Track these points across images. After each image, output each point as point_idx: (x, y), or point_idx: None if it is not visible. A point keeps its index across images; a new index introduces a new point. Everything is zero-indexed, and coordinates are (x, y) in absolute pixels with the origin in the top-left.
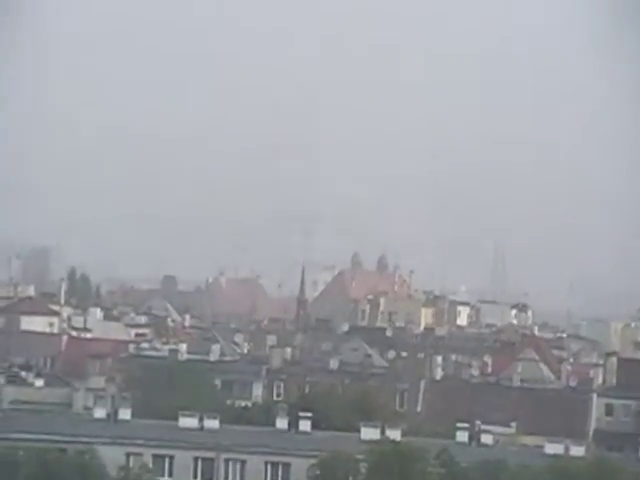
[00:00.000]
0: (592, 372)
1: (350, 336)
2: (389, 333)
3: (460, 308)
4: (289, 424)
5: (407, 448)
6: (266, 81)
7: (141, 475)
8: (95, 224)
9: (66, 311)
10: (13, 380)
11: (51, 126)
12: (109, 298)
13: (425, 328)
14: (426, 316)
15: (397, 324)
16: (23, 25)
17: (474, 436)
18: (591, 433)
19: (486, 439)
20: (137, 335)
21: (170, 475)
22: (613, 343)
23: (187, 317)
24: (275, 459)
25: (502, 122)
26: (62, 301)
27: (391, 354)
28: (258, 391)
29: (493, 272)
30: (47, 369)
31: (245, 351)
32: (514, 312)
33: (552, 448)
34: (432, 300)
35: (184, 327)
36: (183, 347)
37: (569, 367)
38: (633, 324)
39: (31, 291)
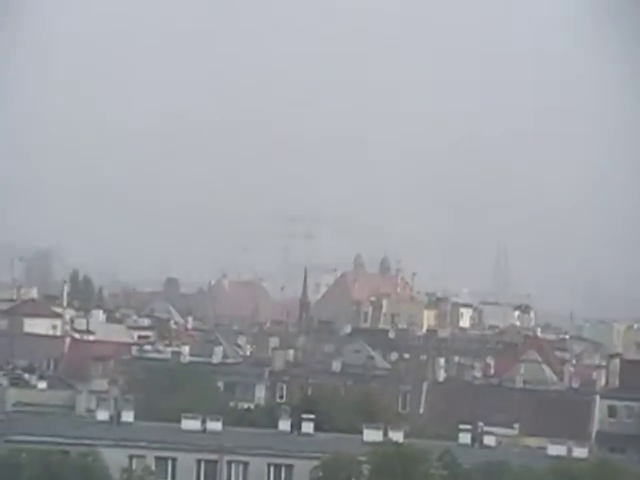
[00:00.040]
0: (595, 374)
1: (352, 338)
2: (392, 335)
3: (462, 310)
4: (292, 426)
5: (410, 450)
6: (266, 80)
7: (144, 477)
8: (97, 226)
9: (69, 313)
10: (16, 382)
11: (51, 126)
12: (112, 300)
13: (427, 330)
14: (428, 318)
15: (399, 326)
16: (23, 25)
17: (477, 438)
18: (594, 435)
19: (489, 441)
20: (140, 337)
21: (173, 477)
22: (616, 345)
23: (190, 319)
24: (278, 461)
25: (503, 121)
26: (65, 303)
27: (394, 356)
28: (261, 393)
29: (495, 274)
30: (50, 371)
31: (248, 353)
32: (517, 313)
33: (555, 450)
34: (434, 302)
35: (187, 329)
36: (186, 349)
37: (572, 369)
38: (636, 326)
39: (34, 293)
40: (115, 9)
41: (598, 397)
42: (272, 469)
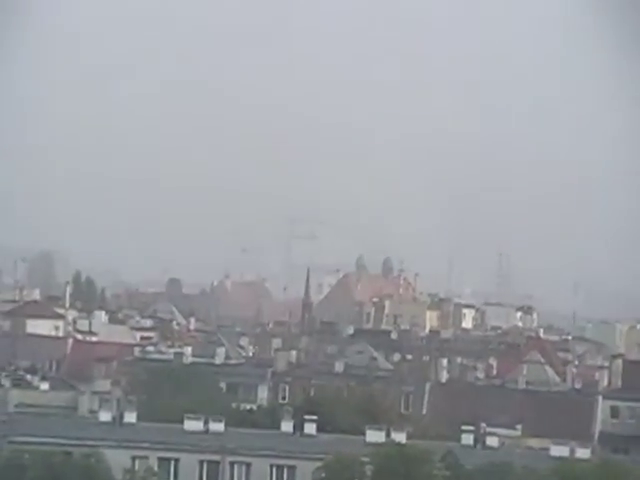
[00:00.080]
0: (597, 374)
1: (355, 339)
2: (394, 336)
3: (465, 311)
4: (294, 427)
5: (412, 451)
6: (268, 80)
7: (146, 478)
8: (100, 227)
9: (71, 314)
10: (18, 383)
11: (53, 127)
12: (114, 301)
13: (430, 331)
14: (431, 319)
15: (402, 327)
16: (23, 25)
17: (479, 439)
18: (596, 435)
19: (491, 441)
20: (142, 338)
21: (175, 478)
22: (618, 345)
23: (192, 320)
24: (280, 462)
25: (505, 123)
26: (67, 304)
27: (396, 357)
28: (263, 394)
29: (498, 274)
30: (52, 372)
31: (250, 354)
32: (519, 314)
33: (558, 450)
34: (437, 303)
35: (189, 330)
36: (188, 350)
37: (574, 369)
38: (638, 326)
39: (36, 294)
40: (115, 8)
41: (601, 398)
42: (274, 470)
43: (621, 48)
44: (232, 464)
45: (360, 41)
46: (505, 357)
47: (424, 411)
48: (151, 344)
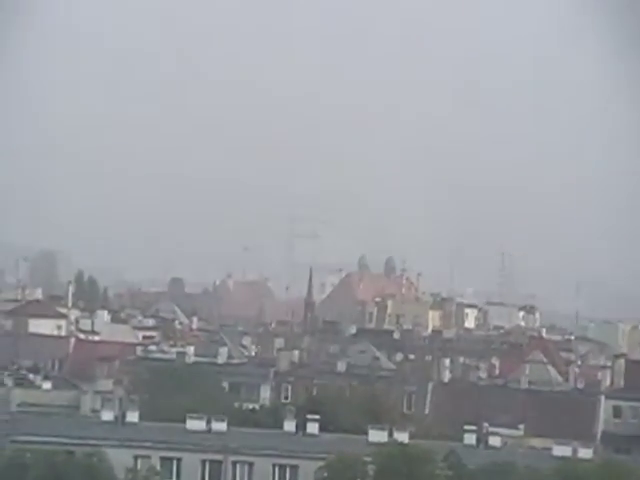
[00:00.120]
0: (600, 374)
1: (358, 339)
2: (397, 336)
3: (467, 310)
4: (297, 426)
5: (415, 450)
6: (269, 80)
7: (149, 477)
8: (102, 227)
9: (74, 314)
10: (21, 383)
11: (53, 127)
12: (116, 301)
13: (433, 330)
14: (433, 318)
15: (405, 326)
16: (23, 25)
17: (482, 438)
18: (599, 435)
19: (494, 441)
20: (145, 338)
21: (178, 477)
22: (621, 345)
23: (195, 320)
24: (283, 461)
25: (508, 124)
26: (70, 304)
27: (399, 356)
28: (266, 393)
29: (500, 274)
30: (55, 372)
31: (253, 354)
32: (522, 314)
33: (560, 450)
34: (439, 302)
35: (192, 330)
36: (191, 350)
37: (577, 369)
38: None
39: (39, 294)
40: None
41: (603, 397)
42: (277, 470)
43: (620, 47)
44: (234, 464)
45: (361, 41)
46: (507, 357)
47: (426, 411)
48: (153, 343)
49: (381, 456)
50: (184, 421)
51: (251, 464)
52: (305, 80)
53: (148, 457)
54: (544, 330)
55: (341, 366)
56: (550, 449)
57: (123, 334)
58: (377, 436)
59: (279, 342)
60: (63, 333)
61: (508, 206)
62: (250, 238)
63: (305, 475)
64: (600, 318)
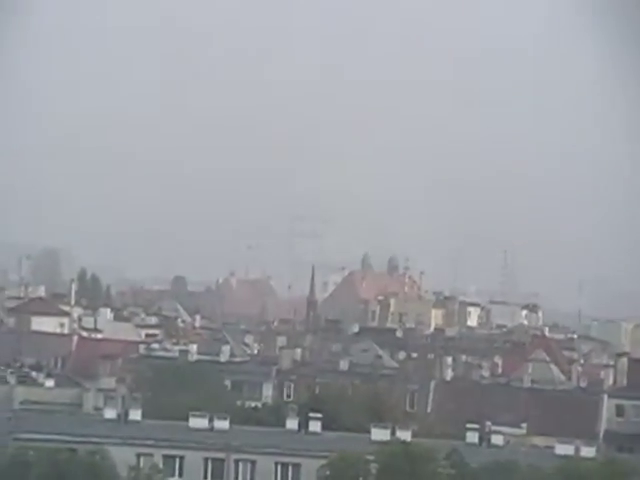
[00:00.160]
0: (603, 373)
1: (360, 337)
2: (399, 334)
3: (470, 309)
4: (299, 425)
5: (417, 449)
6: (269, 79)
7: (151, 475)
8: (105, 225)
9: (76, 312)
10: (24, 380)
11: (56, 127)
12: (119, 299)
13: (435, 329)
14: (436, 317)
15: (407, 325)
16: (23, 25)
17: (484, 437)
18: (602, 434)
19: (496, 440)
20: (147, 336)
21: (180, 475)
22: (624, 344)
23: (197, 318)
24: (285, 460)
25: (509, 123)
26: (72, 302)
27: (401, 355)
28: (268, 392)
29: (503, 272)
30: (58, 369)
31: (255, 352)
32: (524, 313)
33: (563, 449)
34: (442, 301)
35: (194, 328)
36: (193, 348)
37: (580, 368)
38: None
39: (42, 291)
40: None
41: (606, 396)
42: (279, 468)
43: (619, 47)
44: (237, 462)
45: (361, 40)
46: (510, 355)
47: (429, 409)
48: (156, 341)
49: (383, 454)
50: (187, 419)
51: (253, 462)
52: (306, 79)
53: (151, 455)
54: (547, 329)
55: (343, 364)
56: (553, 448)
57: (126, 332)
58: (379, 434)
59: (281, 340)
60: (66, 331)
61: (510, 205)
62: (253, 237)
63: (307, 473)
64: (603, 317)
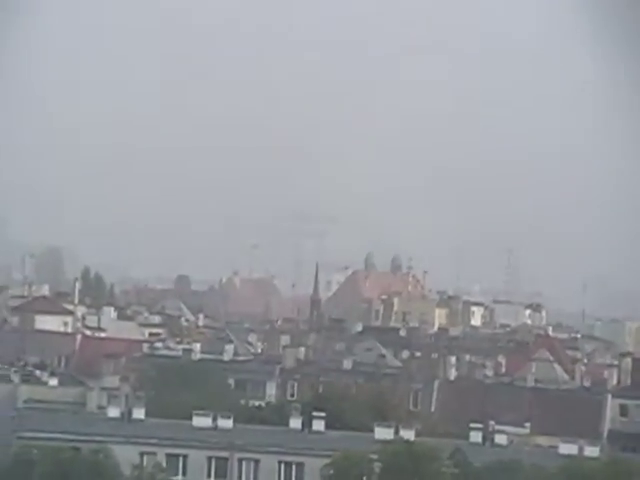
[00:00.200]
0: (606, 372)
1: (364, 336)
2: (403, 333)
3: (474, 308)
4: (303, 424)
5: (421, 448)
6: (278, 79)
7: (155, 474)
8: (108, 223)
9: (80, 310)
10: (27, 379)
11: (58, 126)
12: (123, 298)
13: (439, 328)
14: (440, 316)
15: (411, 324)
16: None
17: (488, 436)
18: (605, 434)
19: (500, 439)
20: (151, 335)
21: (184, 474)
22: (628, 343)
23: (201, 317)
24: (289, 459)
25: (511, 122)
26: (76, 300)
27: (405, 354)
28: (272, 391)
29: (506, 272)
30: (61, 368)
31: (259, 351)
32: (528, 312)
33: (566, 448)
34: (446, 300)
35: (198, 327)
36: (197, 347)
37: (583, 367)
38: None
39: (45, 290)
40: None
41: (610, 396)
42: (283, 467)
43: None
44: (240, 460)
45: (362, 40)
46: (514, 355)
47: (433, 409)
48: (160, 340)
49: (387, 454)
50: (190, 418)
51: (257, 461)
52: (309, 78)
53: (154, 454)
54: (550, 328)
55: (347, 363)
56: (556, 447)
57: (129, 331)
58: (383, 434)
59: (285, 339)
60: (69, 330)
61: (514, 204)
62: (256, 236)
63: (311, 472)
64: (607, 316)
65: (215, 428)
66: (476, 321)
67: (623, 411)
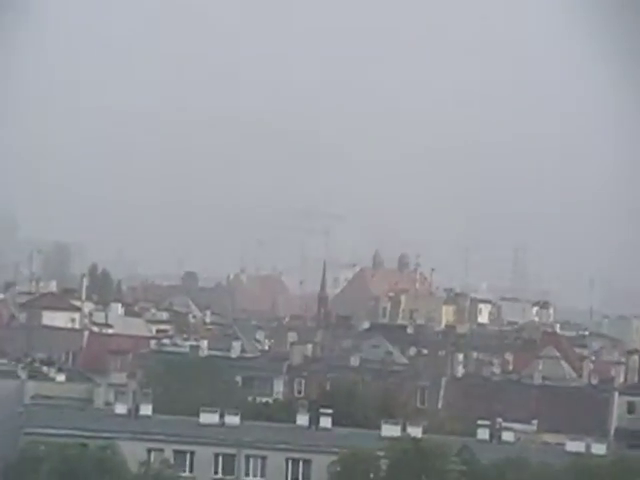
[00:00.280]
0: (614, 370)
1: (371, 333)
2: (410, 330)
3: (481, 306)
4: (310, 421)
5: (428, 445)
6: (290, 78)
7: (162, 470)
8: (116, 220)
9: (87, 307)
10: (35, 375)
11: (63, 124)
12: (130, 294)
13: (446, 325)
14: (447, 313)
15: (418, 321)
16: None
17: (495, 434)
18: (612, 431)
19: (507, 437)
20: (158, 331)
21: (191, 471)
22: (635, 341)
23: (208, 313)
24: (296, 455)
25: (515, 121)
26: (83, 297)
27: (412, 351)
28: (279, 388)
29: (514, 270)
30: (69, 364)
31: (266, 348)
32: (535, 310)
33: (573, 446)
34: (453, 298)
35: (205, 323)
36: (204, 343)
37: (591, 365)
38: None
39: (53, 286)
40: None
41: (617, 393)
42: (290, 463)
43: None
44: (248, 457)
45: (366, 38)
46: (521, 352)
47: (440, 406)
48: (167, 337)
49: (394, 451)
50: (197, 414)
51: (264, 458)
52: (312, 76)
53: (161, 450)
54: (558, 326)
55: (354, 361)
56: (563, 445)
57: (137, 327)
58: (390, 431)
59: (292, 336)
60: (77, 326)
61: (522, 202)
62: (264, 233)
63: (318, 469)
64: (614, 314)
65: (222, 425)
66: (483, 318)
67: (630, 408)
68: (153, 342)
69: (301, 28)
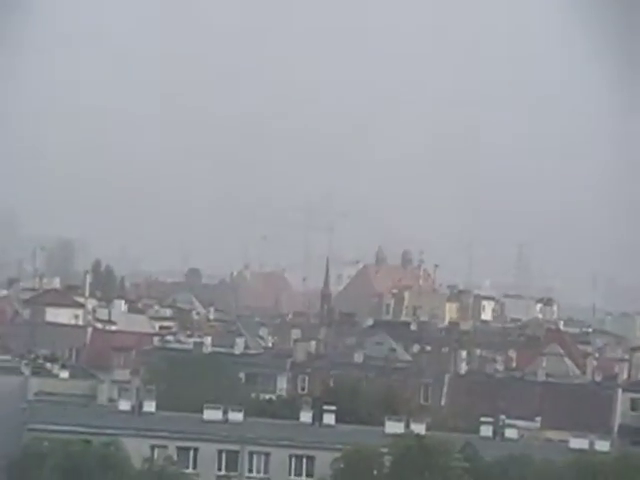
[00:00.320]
0: (617, 367)
1: (374, 330)
2: (413, 327)
3: (485, 302)
4: (313, 417)
5: (431, 442)
6: (290, 78)
7: (165, 467)
8: (119, 216)
9: (91, 303)
10: (38, 371)
11: (64, 121)
12: (133, 291)
13: (449, 322)
14: (450, 310)
15: (421, 318)
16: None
17: (498, 430)
18: (616, 428)
19: (510, 433)
20: (162, 328)
21: (194, 467)
22: (638, 337)
23: (211, 310)
24: (299, 452)
25: (521, 120)
26: (87, 293)
27: (415, 348)
28: (282, 384)
29: (518, 266)
30: (72, 361)
31: (270, 344)
32: (539, 306)
33: (577, 443)
34: (456, 294)
35: (208, 320)
36: (208, 340)
37: (594, 362)
38: None
39: (56, 283)
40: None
41: (620, 390)
42: (293, 460)
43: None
44: (251, 454)
45: (362, 41)
46: (525, 349)
47: (443, 402)
48: (170, 334)
49: (397, 447)
50: (201, 411)
51: (268, 454)
52: (316, 78)
53: (165, 447)
54: (561, 322)
55: (358, 357)
56: (567, 442)
57: (140, 324)
58: (394, 427)
59: (296, 333)
60: (80, 322)
61: (525, 199)
62: (267, 229)
63: (322, 466)
64: (618, 311)
65: (226, 421)
66: (487, 315)
67: (634, 405)
68: (156, 339)
69: (301, 28)
